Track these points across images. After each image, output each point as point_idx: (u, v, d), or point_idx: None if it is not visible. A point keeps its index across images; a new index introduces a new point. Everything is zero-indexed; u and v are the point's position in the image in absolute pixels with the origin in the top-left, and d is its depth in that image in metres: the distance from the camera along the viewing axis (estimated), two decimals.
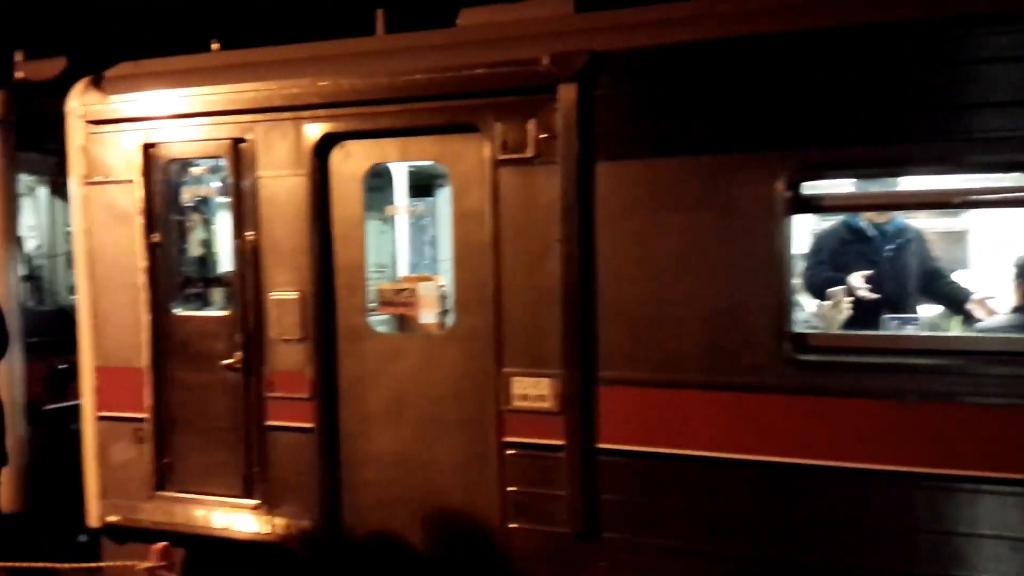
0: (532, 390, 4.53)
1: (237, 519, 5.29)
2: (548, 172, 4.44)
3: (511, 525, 4.62)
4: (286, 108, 4.99)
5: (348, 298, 5.02)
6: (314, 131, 4.93)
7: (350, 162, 4.94)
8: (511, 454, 4.60)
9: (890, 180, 4.69)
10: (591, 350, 4.40)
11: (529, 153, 4.47)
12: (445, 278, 5.28)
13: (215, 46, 5.53)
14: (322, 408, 5.04)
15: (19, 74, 6.18)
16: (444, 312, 5.17)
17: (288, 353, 5.11)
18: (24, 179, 6.39)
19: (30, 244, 6.75)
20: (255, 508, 5.24)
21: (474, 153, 4.63)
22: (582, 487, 4.42)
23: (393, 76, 4.72)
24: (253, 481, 5.24)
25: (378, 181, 5.34)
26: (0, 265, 5.97)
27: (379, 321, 5.18)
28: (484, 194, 4.58)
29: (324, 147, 4.94)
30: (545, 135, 4.43)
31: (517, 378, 4.56)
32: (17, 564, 5.64)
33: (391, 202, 5.65)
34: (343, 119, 4.87)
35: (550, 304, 4.47)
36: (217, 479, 5.35)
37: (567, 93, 4.37)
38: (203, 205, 5.71)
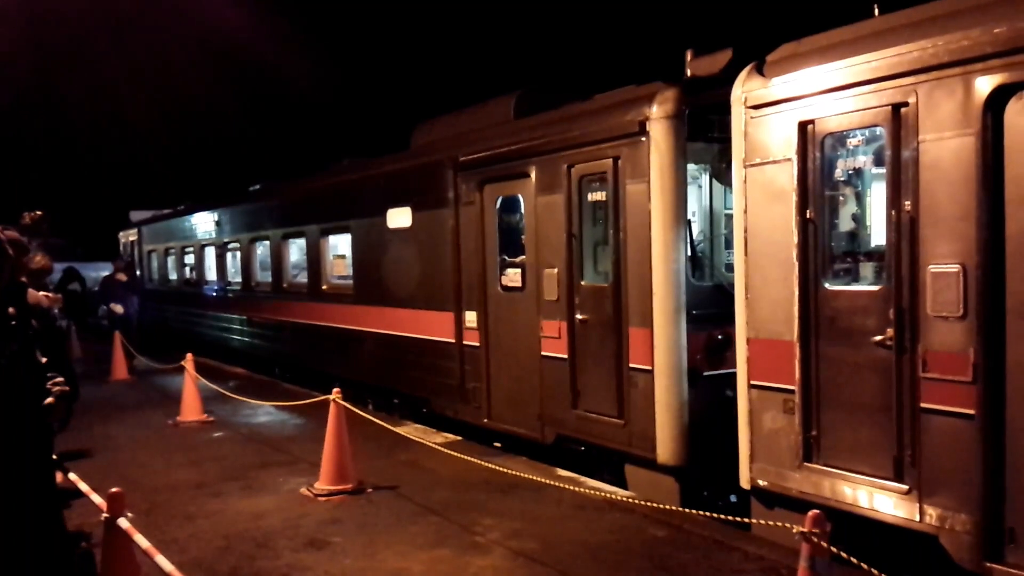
0: None
1: (883, 501, 5.10)
2: None
3: None
4: (953, 64, 4.63)
5: None
6: (986, 84, 4.45)
7: None
8: None
9: None
10: None
11: None
12: None
13: (876, 11, 5.41)
14: (987, 394, 4.56)
15: (689, 71, 6.90)
16: None
17: (947, 331, 4.74)
18: (689, 168, 7.10)
19: (694, 228, 7.48)
20: (904, 493, 4.99)
21: None
22: None
23: None
24: (903, 465, 4.99)
25: None
26: (672, 245, 6.79)
27: None
28: None
29: (997, 101, 4.43)
30: None
31: None
32: (673, 508, 6.35)
33: None
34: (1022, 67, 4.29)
35: None
36: (864, 458, 5.25)
37: None
38: (855, 178, 5.62)
